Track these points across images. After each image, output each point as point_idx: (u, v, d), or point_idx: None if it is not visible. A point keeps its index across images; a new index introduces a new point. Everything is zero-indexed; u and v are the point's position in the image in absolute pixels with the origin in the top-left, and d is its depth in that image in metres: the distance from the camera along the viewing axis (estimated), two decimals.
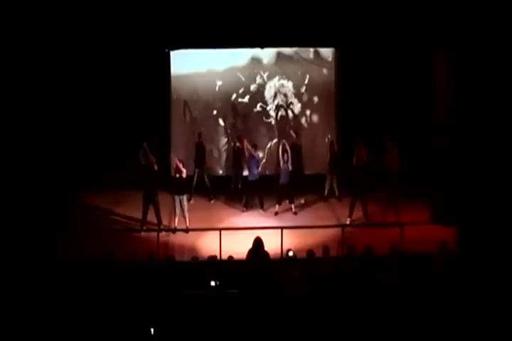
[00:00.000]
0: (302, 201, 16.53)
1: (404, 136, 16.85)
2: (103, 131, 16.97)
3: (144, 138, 15.22)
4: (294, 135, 17.22)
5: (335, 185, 16.70)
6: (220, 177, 17.77)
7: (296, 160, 16.39)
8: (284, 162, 15.81)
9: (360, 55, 16.69)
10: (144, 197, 14.91)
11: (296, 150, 16.82)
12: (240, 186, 16.87)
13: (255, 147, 16.45)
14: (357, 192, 15.28)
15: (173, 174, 15.04)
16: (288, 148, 16.29)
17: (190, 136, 17.62)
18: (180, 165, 14.95)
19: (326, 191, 16.73)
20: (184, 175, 15.00)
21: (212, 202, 16.79)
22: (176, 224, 14.94)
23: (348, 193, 15.75)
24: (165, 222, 15.16)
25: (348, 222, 15.06)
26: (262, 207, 16.23)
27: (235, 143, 16.97)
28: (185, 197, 15.03)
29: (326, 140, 17.90)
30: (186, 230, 14.71)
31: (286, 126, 17.98)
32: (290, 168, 15.81)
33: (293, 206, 16.01)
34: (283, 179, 15.84)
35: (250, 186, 16.20)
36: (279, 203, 15.99)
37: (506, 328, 9.83)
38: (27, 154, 13.56)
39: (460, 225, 13.85)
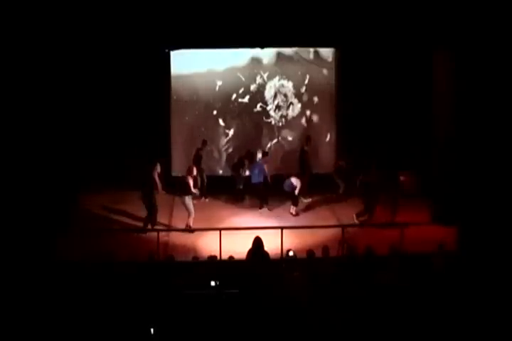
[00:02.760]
0: (305, 201, 16.51)
1: (404, 136, 16.89)
2: (103, 131, 16.96)
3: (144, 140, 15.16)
4: (305, 141, 17.25)
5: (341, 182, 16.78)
6: (220, 177, 17.75)
7: (306, 165, 16.53)
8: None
9: (360, 56, 16.69)
10: (144, 199, 14.93)
11: (305, 156, 16.90)
12: (241, 187, 16.83)
13: (266, 154, 16.58)
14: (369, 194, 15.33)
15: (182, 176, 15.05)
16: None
17: (189, 136, 17.63)
18: (194, 170, 15.15)
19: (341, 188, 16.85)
20: (193, 178, 15.06)
21: (206, 200, 16.75)
22: (192, 224, 14.94)
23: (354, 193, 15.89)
24: (165, 222, 15.17)
25: (356, 221, 15.08)
26: (267, 203, 16.25)
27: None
28: (191, 197, 15.05)
29: (327, 140, 17.94)
30: (191, 230, 14.70)
31: (287, 126, 18.03)
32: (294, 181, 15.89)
33: (294, 208, 16.02)
34: (287, 187, 15.89)
35: (254, 188, 16.26)
36: (295, 205, 15.97)
37: (506, 328, 9.83)
38: (27, 154, 13.57)
39: (460, 225, 13.85)
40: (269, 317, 9.98)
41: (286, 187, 15.88)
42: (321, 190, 16.96)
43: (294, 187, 15.76)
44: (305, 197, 16.56)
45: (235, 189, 16.86)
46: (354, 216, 15.19)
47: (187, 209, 14.96)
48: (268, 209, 16.23)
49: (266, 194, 16.30)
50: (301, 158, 16.81)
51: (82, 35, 13.70)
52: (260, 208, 16.28)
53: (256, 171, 16.21)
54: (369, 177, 15.17)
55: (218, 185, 17.13)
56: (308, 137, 17.30)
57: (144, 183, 14.92)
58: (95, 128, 16.88)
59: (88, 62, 16.00)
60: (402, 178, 15.38)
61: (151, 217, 14.94)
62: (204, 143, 17.00)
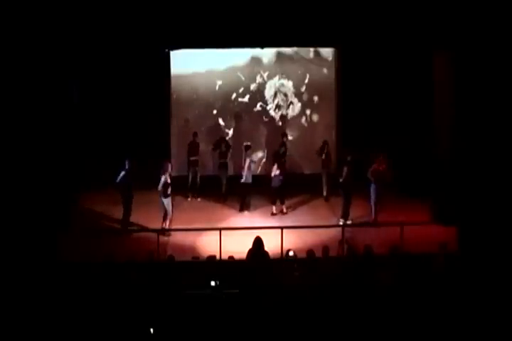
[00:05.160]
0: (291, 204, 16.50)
1: (404, 136, 16.88)
2: (103, 131, 16.96)
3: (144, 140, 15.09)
4: (283, 137, 17.17)
5: (324, 184, 16.72)
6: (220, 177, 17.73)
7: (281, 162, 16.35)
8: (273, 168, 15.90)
9: (360, 55, 16.68)
10: (124, 199, 14.92)
11: (282, 153, 16.83)
12: (225, 187, 16.76)
13: (248, 148, 16.42)
14: (345, 195, 15.35)
15: (166, 177, 14.96)
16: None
17: (189, 136, 17.63)
18: (169, 166, 14.99)
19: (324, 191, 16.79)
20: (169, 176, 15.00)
21: (199, 199, 16.77)
22: (168, 226, 14.89)
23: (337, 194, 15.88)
24: (157, 223, 15.12)
25: (349, 223, 15.07)
26: (241, 209, 16.16)
27: (220, 145, 16.94)
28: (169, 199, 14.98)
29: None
30: (165, 230, 14.62)
31: (277, 125, 18.02)
32: (278, 172, 15.84)
33: (284, 207, 16.00)
34: (274, 182, 15.90)
35: (241, 188, 16.21)
36: (274, 204, 15.99)
37: (506, 328, 9.84)
38: (27, 155, 13.57)
39: (460, 225, 13.85)
40: (269, 317, 9.98)
41: (274, 182, 15.83)
42: (320, 189, 16.97)
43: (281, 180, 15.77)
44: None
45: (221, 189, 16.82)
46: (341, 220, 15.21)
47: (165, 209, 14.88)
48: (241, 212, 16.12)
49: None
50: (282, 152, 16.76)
51: (83, 35, 13.71)
52: (240, 210, 16.17)
53: (245, 169, 16.12)
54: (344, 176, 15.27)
55: (218, 184, 17.10)
56: (283, 133, 17.28)
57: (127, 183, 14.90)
58: (95, 128, 16.88)
59: (88, 62, 15.98)
60: (382, 168, 15.31)
61: (126, 218, 14.92)
62: (195, 134, 16.96)
